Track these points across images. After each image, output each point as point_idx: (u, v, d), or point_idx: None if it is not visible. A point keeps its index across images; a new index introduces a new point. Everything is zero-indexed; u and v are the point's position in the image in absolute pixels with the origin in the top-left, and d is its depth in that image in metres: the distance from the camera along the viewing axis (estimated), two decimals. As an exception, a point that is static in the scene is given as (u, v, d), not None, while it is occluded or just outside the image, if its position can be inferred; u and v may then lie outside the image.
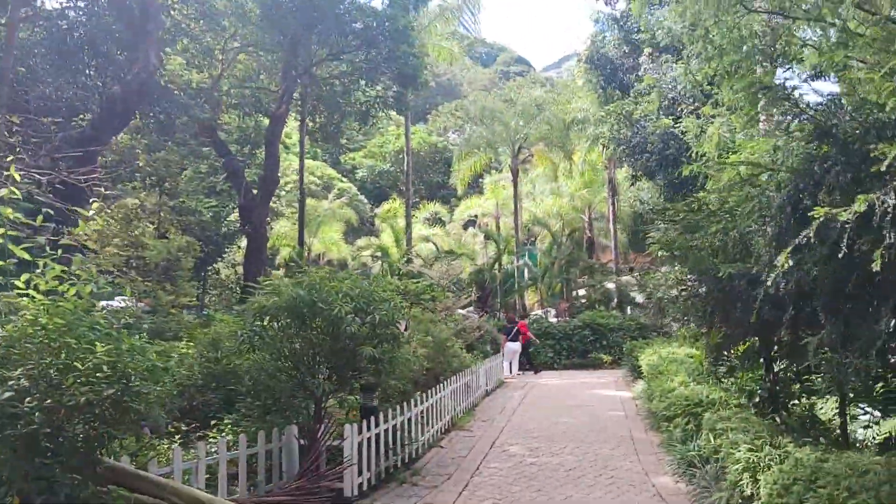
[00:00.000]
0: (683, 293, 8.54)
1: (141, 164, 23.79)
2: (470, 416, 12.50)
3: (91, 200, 20.12)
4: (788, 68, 12.69)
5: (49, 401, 4.01)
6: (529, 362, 21.34)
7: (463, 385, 12.67)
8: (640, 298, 27.88)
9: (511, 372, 20.10)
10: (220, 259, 29.29)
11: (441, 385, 11.11)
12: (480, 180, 40.61)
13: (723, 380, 10.60)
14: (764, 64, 12.12)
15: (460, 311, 21.09)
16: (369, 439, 7.87)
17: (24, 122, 16.31)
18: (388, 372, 8.11)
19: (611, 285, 28.48)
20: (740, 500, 6.41)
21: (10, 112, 15.65)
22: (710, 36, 10.61)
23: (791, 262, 5.16)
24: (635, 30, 29.72)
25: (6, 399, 3.78)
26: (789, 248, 5.16)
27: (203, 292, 27.53)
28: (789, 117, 6.74)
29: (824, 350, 6.20)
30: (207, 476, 6.43)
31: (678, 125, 24.13)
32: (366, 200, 47.15)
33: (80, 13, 22.78)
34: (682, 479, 7.88)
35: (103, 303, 17.49)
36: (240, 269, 27.96)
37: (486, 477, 8.34)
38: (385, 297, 8.25)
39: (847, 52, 9.17)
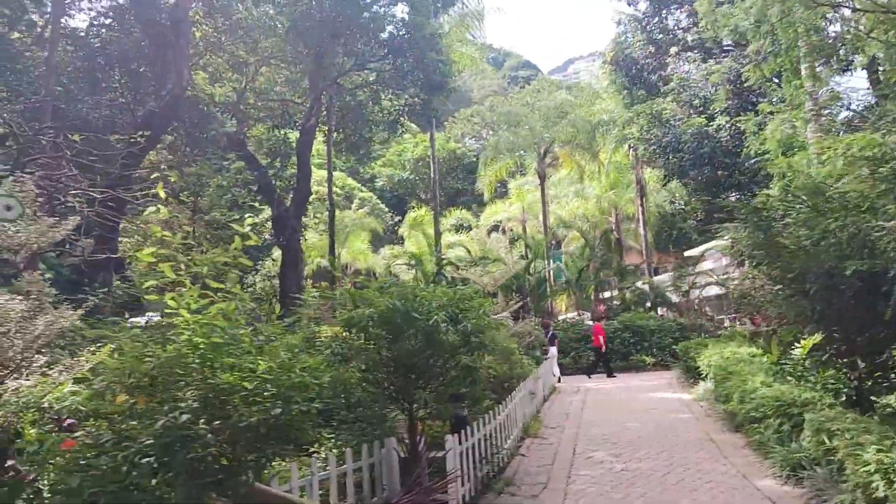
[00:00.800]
0: (782, 291, 8.33)
1: (173, 180, 23.82)
2: (538, 422, 12.33)
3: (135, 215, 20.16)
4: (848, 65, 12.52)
5: (217, 422, 3.89)
6: (606, 365, 21.13)
7: (528, 392, 12.51)
8: (675, 298, 27.70)
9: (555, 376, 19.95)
10: (255, 272, 29.24)
11: (512, 393, 10.96)
12: (501, 187, 40.57)
13: (805, 378, 10.41)
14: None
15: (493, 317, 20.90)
16: (467, 450, 7.73)
17: (64, 140, 16.35)
18: (478, 381, 7.97)
19: (644, 286, 28.26)
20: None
21: (52, 130, 15.68)
22: (776, 32, 10.47)
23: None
24: (658, 30, 29.62)
25: (183, 422, 3.67)
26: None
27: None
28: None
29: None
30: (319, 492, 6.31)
31: (711, 124, 23.97)
32: (386, 209, 47.12)
33: (111, 31, 22.87)
34: (788, 482, 7.69)
35: (132, 320, 17.48)
36: (275, 282, 27.89)
37: (582, 485, 8.18)
38: (473, 305, 8.14)
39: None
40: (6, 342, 5.94)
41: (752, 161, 17.56)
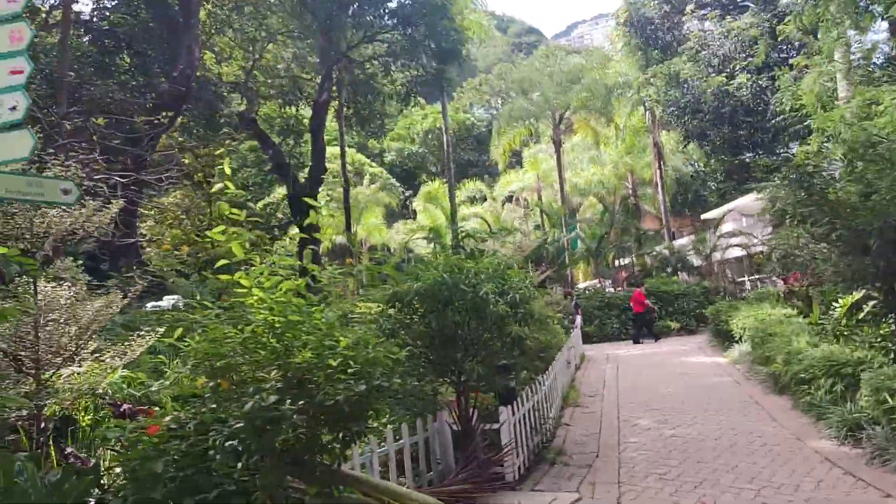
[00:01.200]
0: (834, 249, 8.11)
1: (187, 161, 23.64)
2: (575, 391, 12.26)
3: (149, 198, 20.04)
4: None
5: (302, 402, 3.78)
6: (650, 330, 21.05)
7: (564, 361, 12.42)
8: (697, 262, 27.47)
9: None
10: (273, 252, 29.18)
11: (553, 362, 10.87)
12: (513, 156, 40.10)
13: (849, 338, 10.26)
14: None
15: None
16: (518, 420, 7.66)
17: (79, 124, 16.19)
18: (527, 351, 7.87)
19: (665, 251, 28.03)
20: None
21: (65, 114, 15.51)
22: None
23: None
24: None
25: (271, 402, 3.56)
26: None
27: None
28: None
29: None
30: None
31: (732, 82, 23.50)
32: (397, 184, 46.82)
33: (117, 13, 22.56)
34: (845, 443, 7.57)
35: (151, 304, 17.45)
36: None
37: (634, 452, 8.10)
38: (515, 276, 8.01)
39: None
40: (59, 329, 5.85)
41: (779, 118, 17.17)
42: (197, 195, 23.51)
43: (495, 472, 7.07)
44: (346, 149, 47.64)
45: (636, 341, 20.63)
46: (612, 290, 26.17)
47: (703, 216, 33.75)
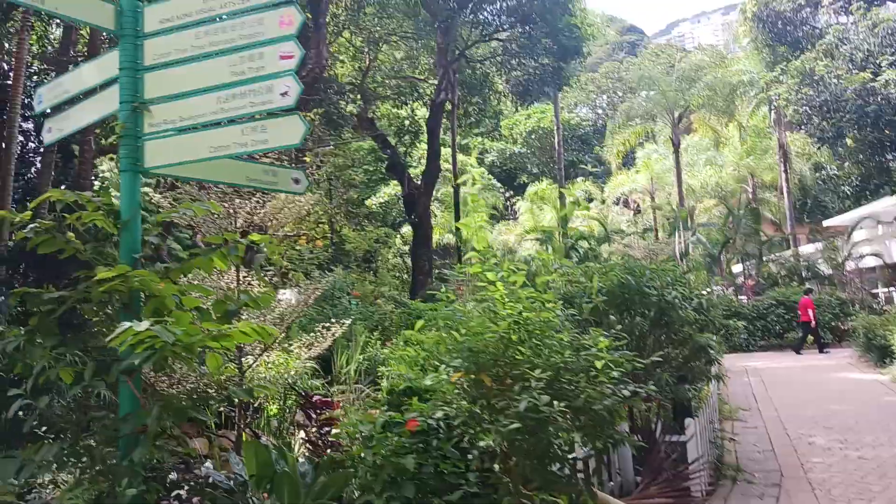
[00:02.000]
0: None
1: (308, 160, 24.30)
2: (725, 404, 11.58)
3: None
4: None
5: (562, 404, 3.56)
6: (818, 340, 20.04)
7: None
8: (827, 271, 25.74)
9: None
10: (388, 248, 29.64)
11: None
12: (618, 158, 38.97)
13: None
14: None
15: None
16: (699, 433, 7.20)
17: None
18: (713, 361, 7.41)
19: (791, 258, 26.40)
20: None
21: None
22: None
23: None
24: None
25: (545, 403, 3.35)
26: None
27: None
28: None
29: None
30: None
31: (878, 79, 21.85)
32: (499, 185, 46.56)
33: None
34: None
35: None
36: (406, 259, 28.10)
37: (823, 473, 7.47)
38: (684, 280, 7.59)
39: None
40: (261, 318, 5.93)
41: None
42: (320, 194, 24.15)
43: (681, 488, 6.66)
44: (448, 149, 47.93)
45: (797, 351, 19.56)
46: (733, 297, 24.87)
47: (827, 223, 31.57)
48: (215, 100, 3.72)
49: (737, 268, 31.77)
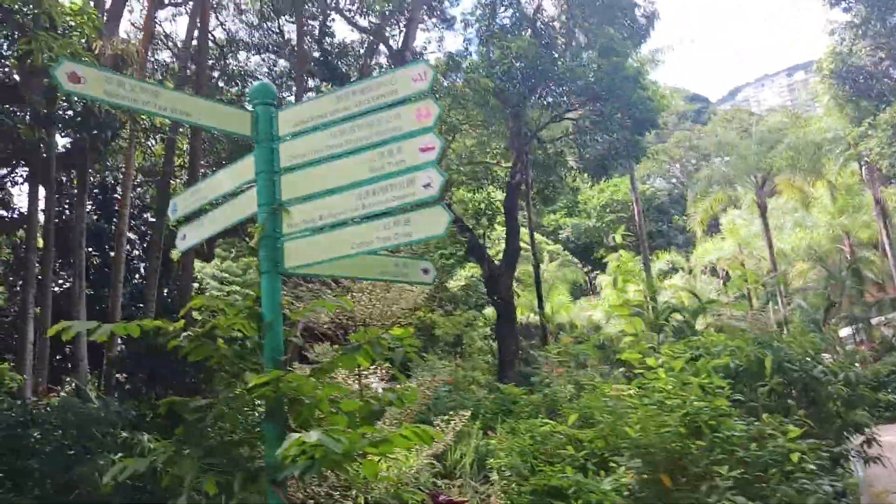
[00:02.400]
0: None
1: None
2: (870, 486, 10.45)
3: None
4: None
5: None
6: None
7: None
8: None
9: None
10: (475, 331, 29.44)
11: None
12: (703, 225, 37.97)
13: None
14: None
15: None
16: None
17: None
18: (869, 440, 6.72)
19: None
20: None
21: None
22: None
23: None
24: (882, 33, 26.69)
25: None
26: None
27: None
28: None
29: None
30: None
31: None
32: (576, 260, 46.02)
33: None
34: None
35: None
36: (491, 341, 27.73)
37: None
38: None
39: None
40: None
41: None
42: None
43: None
44: (525, 229, 48.05)
45: None
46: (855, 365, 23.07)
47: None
48: (355, 196, 3.69)
49: (843, 332, 29.75)
